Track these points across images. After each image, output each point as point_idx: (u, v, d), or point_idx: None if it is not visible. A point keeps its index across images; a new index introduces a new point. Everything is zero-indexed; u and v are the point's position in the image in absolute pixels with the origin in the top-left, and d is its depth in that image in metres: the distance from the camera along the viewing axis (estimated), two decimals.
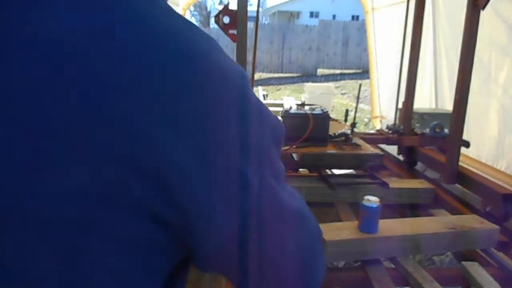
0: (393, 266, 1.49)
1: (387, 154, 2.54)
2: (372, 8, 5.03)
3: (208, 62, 0.35)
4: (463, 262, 1.46)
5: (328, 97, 7.19)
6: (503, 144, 2.75)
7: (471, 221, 1.57)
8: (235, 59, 1.80)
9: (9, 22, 0.31)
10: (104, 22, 0.32)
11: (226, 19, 1.82)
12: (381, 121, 5.02)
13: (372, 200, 1.40)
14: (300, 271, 0.44)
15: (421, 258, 1.89)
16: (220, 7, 1.84)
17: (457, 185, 1.97)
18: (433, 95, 3.64)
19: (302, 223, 0.44)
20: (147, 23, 0.33)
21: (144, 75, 0.31)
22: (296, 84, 12.46)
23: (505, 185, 1.83)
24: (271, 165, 0.40)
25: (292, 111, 2.17)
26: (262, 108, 0.40)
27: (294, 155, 2.11)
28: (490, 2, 1.75)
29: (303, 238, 0.44)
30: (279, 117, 2.20)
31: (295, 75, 14.07)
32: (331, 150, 2.09)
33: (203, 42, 0.36)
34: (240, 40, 1.84)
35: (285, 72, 14.27)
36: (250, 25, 1.96)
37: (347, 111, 2.96)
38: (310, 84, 9.17)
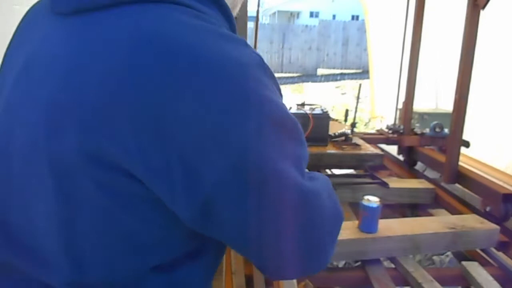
0: (393, 266, 1.49)
1: (387, 154, 2.53)
2: (372, 8, 5.02)
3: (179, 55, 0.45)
4: (463, 262, 1.46)
5: (328, 97, 7.19)
6: (503, 145, 2.75)
7: (471, 221, 1.57)
8: None
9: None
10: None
11: None
12: (381, 121, 5.02)
13: (372, 200, 1.40)
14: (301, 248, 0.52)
15: (421, 258, 1.89)
16: None
17: (457, 185, 1.97)
18: (433, 95, 3.65)
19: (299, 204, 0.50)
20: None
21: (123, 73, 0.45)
22: (296, 84, 12.45)
23: (505, 185, 1.83)
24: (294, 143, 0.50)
25: (292, 111, 2.17)
26: (261, 100, 0.46)
27: None
28: (489, 2, 1.75)
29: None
30: None
31: (295, 75, 14.06)
32: (331, 150, 2.09)
33: (187, 33, 0.46)
34: None
35: (285, 72, 14.26)
36: (250, 25, 1.96)
37: (347, 111, 2.96)
38: (310, 84, 9.17)
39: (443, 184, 2.01)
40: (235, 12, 0.63)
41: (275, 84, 0.53)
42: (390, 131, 2.64)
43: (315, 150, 2.04)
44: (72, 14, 0.51)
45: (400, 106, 2.70)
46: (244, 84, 0.45)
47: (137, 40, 0.45)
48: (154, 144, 0.43)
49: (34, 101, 0.49)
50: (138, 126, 0.43)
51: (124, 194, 0.46)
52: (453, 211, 1.82)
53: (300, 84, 11.91)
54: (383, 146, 2.62)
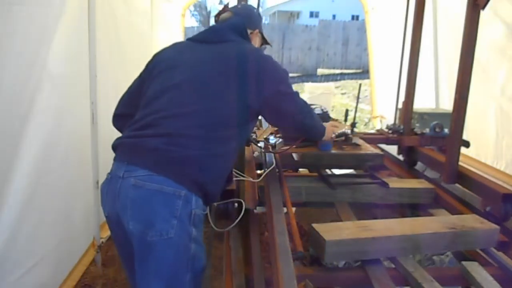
0: (393, 266, 1.49)
1: (387, 154, 2.53)
2: (372, 8, 5.02)
3: (264, 58, 1.53)
4: (463, 262, 1.46)
5: (328, 97, 7.19)
6: (502, 145, 2.75)
7: (471, 221, 1.57)
8: None
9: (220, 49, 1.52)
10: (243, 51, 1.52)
11: None
12: (381, 121, 5.02)
13: None
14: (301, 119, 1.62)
15: (421, 258, 1.89)
16: (220, 7, 1.84)
17: (457, 185, 1.97)
18: (433, 95, 3.64)
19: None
20: (249, 50, 1.55)
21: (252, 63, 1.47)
22: (296, 84, 12.44)
23: (505, 185, 1.83)
24: (288, 85, 1.57)
25: None
26: (281, 69, 1.56)
27: (294, 155, 2.11)
28: (489, 2, 1.75)
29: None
30: None
31: (295, 75, 14.05)
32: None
33: (262, 53, 1.59)
34: None
35: None
36: None
37: (347, 111, 2.96)
38: (310, 84, 9.16)
39: (443, 184, 2.01)
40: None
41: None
42: (390, 131, 2.64)
43: (315, 150, 2.04)
44: (211, 43, 1.53)
45: (400, 106, 2.70)
46: (273, 63, 1.52)
47: (243, 52, 1.49)
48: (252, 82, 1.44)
49: (197, 70, 1.46)
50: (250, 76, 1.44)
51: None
52: (453, 211, 1.82)
53: (300, 84, 11.91)
54: (383, 146, 2.62)
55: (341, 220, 1.76)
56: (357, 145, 2.19)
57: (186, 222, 1.26)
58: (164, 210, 1.24)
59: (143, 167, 1.27)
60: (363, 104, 8.16)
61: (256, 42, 1.77)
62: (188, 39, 1.61)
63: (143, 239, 1.24)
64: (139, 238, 1.25)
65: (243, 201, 1.69)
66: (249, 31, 1.67)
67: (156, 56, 1.58)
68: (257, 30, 1.76)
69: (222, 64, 1.44)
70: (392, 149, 2.62)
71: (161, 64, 1.51)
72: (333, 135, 1.89)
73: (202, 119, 1.35)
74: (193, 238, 1.29)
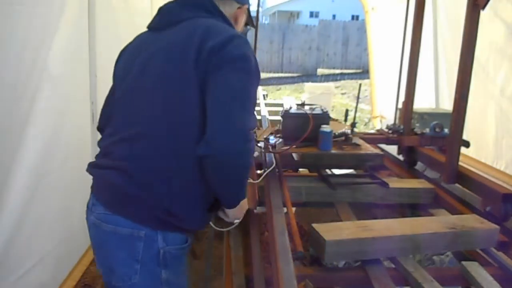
0: (393, 266, 1.49)
1: (387, 154, 2.53)
2: (372, 8, 5.03)
3: (236, 38, 1.14)
4: (463, 262, 1.46)
5: (328, 97, 7.19)
6: (502, 145, 2.75)
7: (471, 221, 1.57)
8: None
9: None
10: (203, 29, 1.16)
11: None
12: (381, 121, 5.02)
13: (326, 128, 2.03)
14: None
15: (421, 258, 1.89)
16: None
17: (457, 185, 1.97)
18: (433, 95, 3.65)
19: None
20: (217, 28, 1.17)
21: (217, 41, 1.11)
22: (296, 84, 12.45)
23: (505, 185, 1.83)
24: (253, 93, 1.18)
25: (292, 111, 2.17)
26: (255, 63, 1.15)
27: (294, 155, 2.11)
28: (489, 3, 1.75)
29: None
30: (279, 117, 2.20)
31: (295, 75, 14.06)
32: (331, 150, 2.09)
33: (236, 33, 1.19)
34: None
35: (285, 72, 14.26)
36: None
37: (347, 111, 2.96)
38: (310, 84, 9.17)
39: (443, 184, 2.01)
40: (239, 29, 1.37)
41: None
42: (390, 131, 2.64)
43: (315, 150, 2.04)
44: (163, 29, 1.21)
45: (400, 106, 2.70)
46: (246, 43, 1.16)
47: (207, 27, 1.13)
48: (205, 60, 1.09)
49: (165, 55, 1.14)
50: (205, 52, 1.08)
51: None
52: (453, 211, 1.82)
53: (300, 84, 11.91)
54: (383, 146, 2.62)
55: (341, 220, 1.76)
56: (357, 145, 2.19)
57: (152, 265, 1.12)
58: (122, 254, 1.11)
59: (101, 202, 1.15)
60: (363, 104, 8.16)
61: (241, 22, 1.37)
62: (147, 27, 1.30)
63: (110, 283, 1.17)
64: (107, 281, 1.18)
65: None
66: (237, 6, 1.30)
67: (119, 56, 1.35)
68: (246, 6, 1.35)
69: (173, 58, 1.11)
70: (392, 149, 2.62)
71: (119, 70, 1.30)
72: (236, 221, 1.34)
73: (156, 141, 1.10)
74: (164, 281, 1.15)
